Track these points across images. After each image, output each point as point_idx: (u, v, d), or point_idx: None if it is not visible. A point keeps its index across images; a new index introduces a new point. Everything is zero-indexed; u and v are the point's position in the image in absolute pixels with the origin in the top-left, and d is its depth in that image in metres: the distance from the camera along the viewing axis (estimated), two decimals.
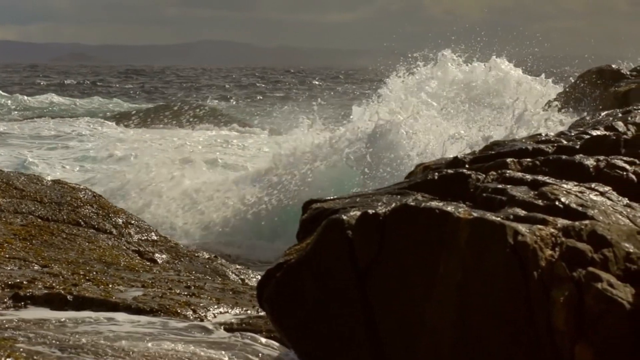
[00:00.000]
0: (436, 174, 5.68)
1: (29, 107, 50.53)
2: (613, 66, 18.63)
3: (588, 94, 17.43)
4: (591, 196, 5.32)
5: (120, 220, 9.77)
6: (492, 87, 21.65)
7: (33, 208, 9.49)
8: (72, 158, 25.16)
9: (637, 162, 5.88)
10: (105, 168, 21.88)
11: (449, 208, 4.95)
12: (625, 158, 5.90)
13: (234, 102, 54.88)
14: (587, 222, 4.98)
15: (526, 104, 16.68)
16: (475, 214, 4.89)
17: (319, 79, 80.00)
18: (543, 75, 22.44)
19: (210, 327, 6.24)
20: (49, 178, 11.27)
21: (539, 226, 4.88)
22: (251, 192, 17.98)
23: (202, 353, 5.58)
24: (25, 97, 53.87)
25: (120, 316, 6.34)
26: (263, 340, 6.01)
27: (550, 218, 4.97)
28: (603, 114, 7.60)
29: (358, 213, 5.08)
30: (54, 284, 6.91)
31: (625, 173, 5.72)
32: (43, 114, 43.78)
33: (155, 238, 9.73)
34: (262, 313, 6.12)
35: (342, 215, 5.10)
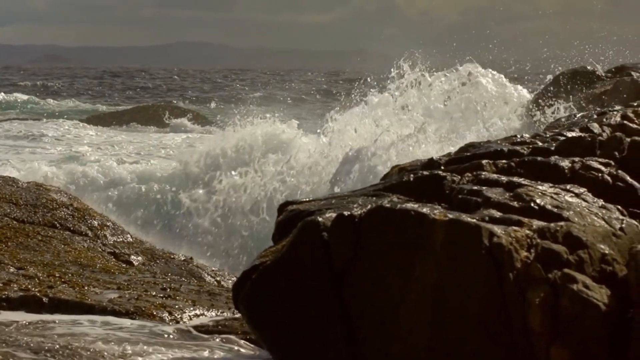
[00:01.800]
0: (412, 175, 5.69)
1: (3, 107, 50.30)
2: (588, 67, 18.61)
3: (563, 95, 17.39)
4: (566, 198, 5.34)
5: (95, 222, 9.75)
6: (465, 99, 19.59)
7: (8, 210, 9.45)
8: (46, 160, 25.02)
9: (612, 163, 5.91)
10: (76, 170, 21.72)
11: (425, 209, 4.95)
12: (600, 159, 5.92)
13: (213, 105, 54.79)
14: (562, 223, 5.00)
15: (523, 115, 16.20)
16: (450, 216, 4.89)
17: (295, 82, 79.87)
18: (522, 87, 21.42)
19: (186, 329, 6.22)
20: (24, 180, 11.22)
21: (515, 228, 4.89)
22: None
23: (177, 355, 5.56)
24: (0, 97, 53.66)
25: (96, 318, 6.32)
26: (239, 342, 5.99)
27: (526, 219, 4.98)
28: (578, 115, 7.63)
29: (334, 215, 5.07)
30: (29, 286, 6.88)
31: (600, 174, 5.74)
32: (17, 116, 43.58)
33: (130, 240, 9.71)
34: (238, 315, 6.11)
35: (318, 217, 5.09)
